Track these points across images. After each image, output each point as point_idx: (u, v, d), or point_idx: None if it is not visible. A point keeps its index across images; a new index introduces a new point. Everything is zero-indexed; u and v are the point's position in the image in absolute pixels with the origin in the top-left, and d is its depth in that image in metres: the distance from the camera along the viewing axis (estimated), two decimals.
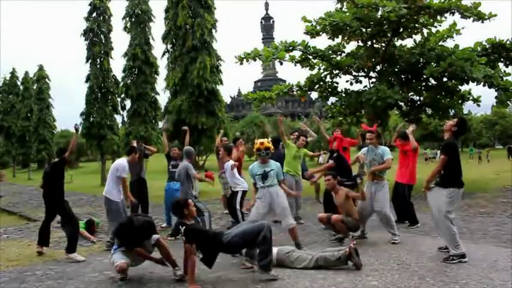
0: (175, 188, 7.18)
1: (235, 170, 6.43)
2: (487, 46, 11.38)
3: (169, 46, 17.54)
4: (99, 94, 22.46)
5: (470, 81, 10.57)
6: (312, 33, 11.61)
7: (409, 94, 12.13)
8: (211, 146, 16.40)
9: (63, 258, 5.65)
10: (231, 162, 6.45)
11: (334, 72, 12.50)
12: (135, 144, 7.80)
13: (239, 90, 77.44)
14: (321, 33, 11.59)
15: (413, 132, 6.93)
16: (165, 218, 7.93)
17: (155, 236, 4.55)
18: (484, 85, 10.48)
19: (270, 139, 5.93)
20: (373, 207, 5.85)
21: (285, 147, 7.70)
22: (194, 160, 7.14)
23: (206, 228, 5.73)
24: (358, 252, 4.62)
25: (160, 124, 20.98)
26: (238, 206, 6.16)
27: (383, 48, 12.10)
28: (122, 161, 6.18)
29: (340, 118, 13.35)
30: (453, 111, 12.47)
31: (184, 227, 4.29)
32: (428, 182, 4.93)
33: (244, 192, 6.30)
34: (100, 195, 14.79)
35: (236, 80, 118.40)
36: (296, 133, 7.84)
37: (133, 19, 20.95)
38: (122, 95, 21.78)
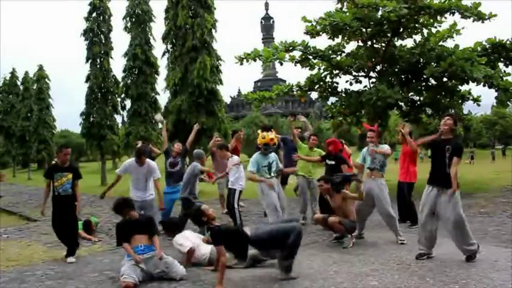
0: (169, 191, 7.05)
1: (241, 167, 6.43)
2: (487, 46, 11.35)
3: (169, 46, 17.53)
4: (99, 94, 22.42)
5: (470, 81, 10.54)
6: (312, 33, 11.59)
7: (409, 94, 12.10)
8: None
9: (63, 258, 5.65)
10: (236, 158, 6.49)
11: (334, 72, 12.47)
12: (139, 145, 7.66)
13: (239, 90, 77.30)
14: (321, 33, 11.55)
15: (410, 133, 6.87)
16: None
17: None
18: (484, 85, 10.46)
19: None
20: (372, 206, 5.87)
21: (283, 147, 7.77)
22: (203, 162, 7.03)
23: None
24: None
25: (160, 125, 20.83)
26: (235, 205, 6.18)
27: (383, 48, 12.08)
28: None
29: (340, 118, 13.32)
30: (453, 111, 12.46)
31: (209, 231, 4.34)
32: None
33: (241, 192, 6.33)
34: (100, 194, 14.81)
35: (236, 80, 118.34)
36: (313, 135, 7.61)
37: (133, 19, 20.93)
38: (122, 95, 21.75)
